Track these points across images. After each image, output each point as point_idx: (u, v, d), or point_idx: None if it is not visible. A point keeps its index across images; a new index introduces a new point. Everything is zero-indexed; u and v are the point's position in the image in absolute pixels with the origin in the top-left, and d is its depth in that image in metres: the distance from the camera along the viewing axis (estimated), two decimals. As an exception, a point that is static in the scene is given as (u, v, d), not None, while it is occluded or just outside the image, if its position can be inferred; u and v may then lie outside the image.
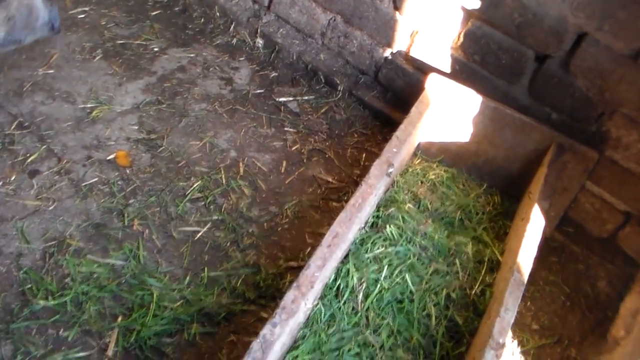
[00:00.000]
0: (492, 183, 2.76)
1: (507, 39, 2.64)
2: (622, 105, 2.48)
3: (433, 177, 2.69)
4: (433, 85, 2.62)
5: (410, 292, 2.22)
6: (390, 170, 2.25)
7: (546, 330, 2.44)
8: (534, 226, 2.19)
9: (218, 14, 3.39)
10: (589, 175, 2.59)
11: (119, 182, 2.49)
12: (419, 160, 2.76)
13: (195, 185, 2.54)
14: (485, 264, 2.38)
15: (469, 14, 2.69)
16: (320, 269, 1.91)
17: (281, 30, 3.27)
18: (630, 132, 2.52)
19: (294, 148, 2.82)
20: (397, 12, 2.90)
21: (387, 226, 2.35)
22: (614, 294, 2.64)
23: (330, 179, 2.73)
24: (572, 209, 2.74)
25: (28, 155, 2.51)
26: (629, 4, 2.26)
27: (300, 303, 1.82)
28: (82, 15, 3.26)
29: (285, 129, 2.90)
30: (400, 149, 2.34)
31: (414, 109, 2.53)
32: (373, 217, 2.37)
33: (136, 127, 2.72)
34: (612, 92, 2.48)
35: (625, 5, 2.27)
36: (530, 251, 2.11)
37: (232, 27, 3.35)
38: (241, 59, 3.23)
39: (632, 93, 2.44)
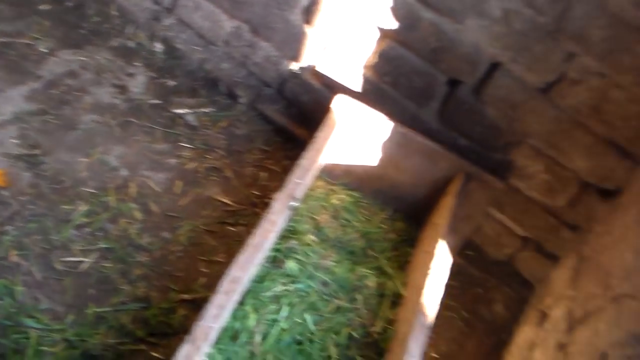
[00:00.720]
0: (397, 208, 2.71)
1: (420, 62, 2.60)
2: (530, 136, 2.49)
3: (336, 202, 2.62)
4: (340, 106, 2.53)
5: (311, 332, 2.14)
6: (294, 203, 2.15)
7: (445, 359, 2.41)
8: (440, 265, 2.15)
9: (115, 13, 3.19)
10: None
11: (-5, 206, 2.30)
12: (321, 183, 2.67)
13: (81, 210, 2.39)
14: (387, 298, 2.32)
15: (384, 34, 2.62)
16: (217, 318, 1.81)
17: (182, 35, 3.11)
18: (535, 162, 2.54)
19: (189, 166, 2.69)
20: (307, 25, 2.79)
21: (288, 261, 2.25)
22: (510, 317, 2.67)
23: (227, 201, 2.62)
24: (473, 233, 2.76)
25: None
26: (546, 38, 2.25)
27: (194, 358, 1.71)
28: (-41, 10, 3.01)
29: (181, 144, 2.76)
30: (305, 178, 2.24)
31: (319, 134, 2.43)
32: (272, 250, 2.27)
33: (17, 142, 2.53)
34: (520, 123, 2.48)
35: (542, 40, 2.26)
36: (437, 293, 2.06)
37: (129, 29, 3.16)
38: (137, 64, 3.05)
39: (540, 125, 2.45)
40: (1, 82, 2.72)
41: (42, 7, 3.17)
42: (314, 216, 2.51)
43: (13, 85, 2.73)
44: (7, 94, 2.69)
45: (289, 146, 2.90)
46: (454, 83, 2.58)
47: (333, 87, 2.84)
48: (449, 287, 2.60)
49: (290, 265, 2.26)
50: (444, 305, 2.53)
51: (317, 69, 2.86)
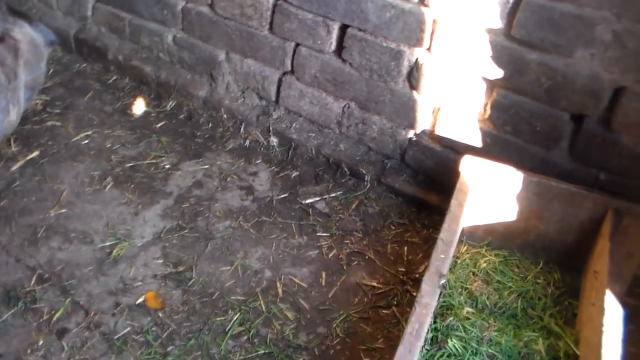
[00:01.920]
0: (548, 259, 2.61)
1: (537, 105, 2.54)
2: (676, 155, 2.34)
3: (484, 265, 2.54)
4: (468, 167, 2.49)
5: (489, 413, 2.06)
6: (443, 281, 2.10)
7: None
8: (611, 317, 2.03)
9: (225, 116, 3.28)
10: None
11: (153, 329, 2.36)
12: (465, 247, 2.61)
13: (234, 319, 2.40)
14: (562, 360, 2.22)
15: (492, 84, 2.59)
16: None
17: (294, 124, 3.16)
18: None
19: (330, 255, 2.68)
20: (414, 92, 2.79)
21: (449, 340, 2.19)
22: None
23: (375, 284, 2.59)
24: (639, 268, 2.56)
25: (53, 312, 2.38)
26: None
27: None
28: (86, 141, 3.17)
29: (318, 234, 2.77)
30: (448, 253, 2.19)
31: (453, 201, 2.39)
32: (430, 330, 2.21)
33: (161, 261, 2.60)
34: (663, 144, 2.35)
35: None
36: (615, 350, 1.95)
37: (242, 129, 3.24)
38: (258, 161, 3.12)
39: (684, 142, 2.30)
40: (136, 205, 2.82)
41: (158, 124, 3.30)
42: (465, 285, 2.44)
43: (147, 206, 2.83)
44: (144, 216, 2.79)
45: (423, 214, 2.87)
46: (578, 118, 2.50)
47: (454, 147, 2.81)
48: (626, 333, 2.46)
49: (453, 343, 2.19)
50: (626, 355, 2.39)
51: (434, 132, 2.83)
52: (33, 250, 2.60)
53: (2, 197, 2.82)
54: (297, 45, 2.99)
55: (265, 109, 3.22)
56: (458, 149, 2.77)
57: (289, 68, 3.08)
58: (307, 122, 3.15)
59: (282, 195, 2.94)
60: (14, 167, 2.97)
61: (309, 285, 2.56)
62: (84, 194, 2.88)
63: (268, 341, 2.35)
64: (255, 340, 2.35)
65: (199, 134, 3.27)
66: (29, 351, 2.25)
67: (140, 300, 2.45)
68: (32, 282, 2.48)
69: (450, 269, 2.44)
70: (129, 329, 2.35)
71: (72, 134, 3.20)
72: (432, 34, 2.64)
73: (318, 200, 2.92)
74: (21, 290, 2.44)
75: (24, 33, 2.50)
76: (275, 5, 2.95)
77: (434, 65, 2.68)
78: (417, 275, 2.60)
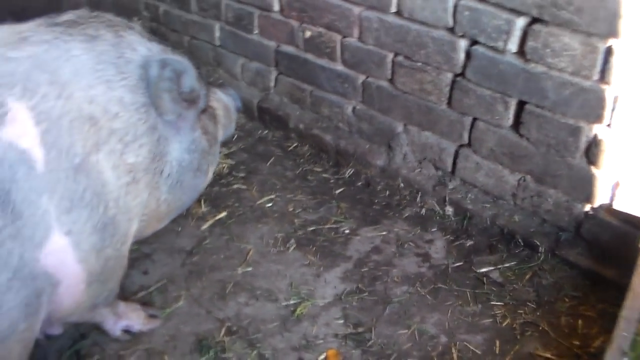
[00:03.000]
0: None
1: None
2: None
3: (665, 342, 2.57)
4: (649, 244, 2.56)
5: None
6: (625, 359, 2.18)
7: None
8: None
9: (402, 184, 3.49)
10: None
11: (335, 385, 2.55)
12: (643, 323, 2.65)
13: (412, 382, 2.56)
14: None
15: (673, 162, 2.64)
16: None
17: (469, 195, 3.32)
18: None
19: (504, 324, 2.80)
20: (592, 167, 2.88)
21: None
22: None
23: (549, 355, 2.68)
24: None
25: (241, 363, 2.62)
26: None
27: None
28: (270, 204, 3.46)
29: (492, 302, 2.90)
30: (630, 331, 2.27)
31: (634, 278, 2.46)
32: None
33: (342, 321, 2.81)
34: None
35: None
36: None
37: (418, 197, 3.43)
38: (433, 229, 3.30)
39: None
40: (317, 267, 3.07)
41: (337, 190, 3.55)
42: (646, 363, 2.49)
43: (328, 269, 3.06)
44: (325, 278, 3.02)
45: (599, 288, 2.93)
46: None
47: (634, 223, 2.86)
48: None
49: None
50: None
51: (613, 206, 2.91)
52: (222, 304, 2.88)
53: (194, 253, 3.14)
54: (475, 119, 3.17)
55: (441, 179, 3.41)
56: (638, 225, 2.83)
57: (466, 141, 3.26)
58: (482, 193, 3.31)
59: (457, 264, 3.10)
60: (204, 226, 3.30)
61: (483, 353, 2.68)
62: (268, 254, 3.15)
63: (446, 406, 2.49)
64: (433, 404, 2.50)
65: (376, 201, 3.49)
66: (222, 402, 2.50)
67: (322, 357, 2.66)
68: (222, 334, 2.75)
69: (630, 346, 2.49)
70: (312, 385, 2.56)
71: (256, 197, 3.51)
72: (612, 110, 2.73)
73: (492, 270, 3.05)
74: (212, 340, 2.71)
75: (218, 99, 2.81)
76: (454, 82, 3.15)
77: (614, 141, 2.77)
78: (592, 350, 2.66)
